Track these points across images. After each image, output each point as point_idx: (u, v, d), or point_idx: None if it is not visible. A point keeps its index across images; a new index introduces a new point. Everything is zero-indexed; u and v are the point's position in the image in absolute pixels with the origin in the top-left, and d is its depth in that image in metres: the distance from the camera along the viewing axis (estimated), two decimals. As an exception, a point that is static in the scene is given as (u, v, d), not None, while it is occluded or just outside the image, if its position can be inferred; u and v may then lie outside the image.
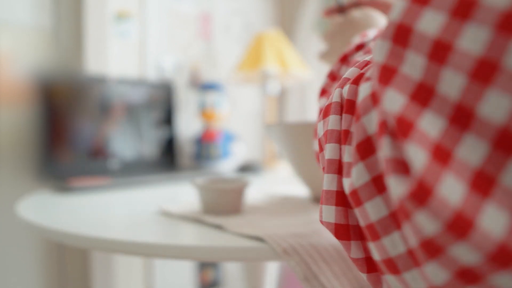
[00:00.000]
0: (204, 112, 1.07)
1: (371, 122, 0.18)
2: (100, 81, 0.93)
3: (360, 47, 0.31)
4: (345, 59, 0.31)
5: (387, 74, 0.16)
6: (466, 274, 0.13)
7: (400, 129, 0.14)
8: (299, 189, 0.65)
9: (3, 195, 0.88)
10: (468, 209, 0.12)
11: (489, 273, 0.13)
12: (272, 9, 1.49)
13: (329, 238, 0.34)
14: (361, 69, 0.23)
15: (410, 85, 0.15)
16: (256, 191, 0.63)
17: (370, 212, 0.18)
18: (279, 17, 1.52)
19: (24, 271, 0.90)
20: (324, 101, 0.31)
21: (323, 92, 0.32)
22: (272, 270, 0.83)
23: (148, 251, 0.34)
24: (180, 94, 1.17)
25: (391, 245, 0.17)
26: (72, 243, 0.39)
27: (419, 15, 0.15)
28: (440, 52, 0.14)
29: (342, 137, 0.21)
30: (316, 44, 1.34)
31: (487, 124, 0.13)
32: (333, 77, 0.32)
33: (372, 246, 0.18)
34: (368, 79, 0.19)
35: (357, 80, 0.22)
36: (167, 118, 1.06)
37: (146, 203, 0.55)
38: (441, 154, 0.13)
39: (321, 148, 0.25)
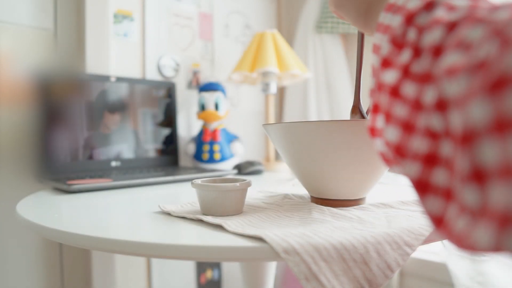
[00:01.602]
0: (204, 112, 1.07)
1: None
2: (100, 81, 0.93)
3: (430, 5, 0.25)
4: (410, 20, 0.26)
5: None
6: None
7: None
8: (299, 189, 0.65)
9: (3, 195, 0.88)
10: None
11: None
12: (272, 9, 1.49)
13: (329, 238, 0.34)
14: None
15: None
16: (256, 191, 0.63)
17: None
18: (279, 17, 1.53)
19: (24, 271, 0.90)
20: (392, 74, 0.26)
21: (387, 62, 0.27)
22: (272, 270, 0.83)
23: (148, 251, 0.34)
24: (180, 94, 1.17)
25: None
26: (72, 243, 0.39)
27: None
28: None
29: None
30: (315, 44, 1.34)
31: None
32: (397, 43, 0.26)
33: None
34: None
35: None
36: (167, 118, 1.06)
37: (146, 203, 0.55)
38: None
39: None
